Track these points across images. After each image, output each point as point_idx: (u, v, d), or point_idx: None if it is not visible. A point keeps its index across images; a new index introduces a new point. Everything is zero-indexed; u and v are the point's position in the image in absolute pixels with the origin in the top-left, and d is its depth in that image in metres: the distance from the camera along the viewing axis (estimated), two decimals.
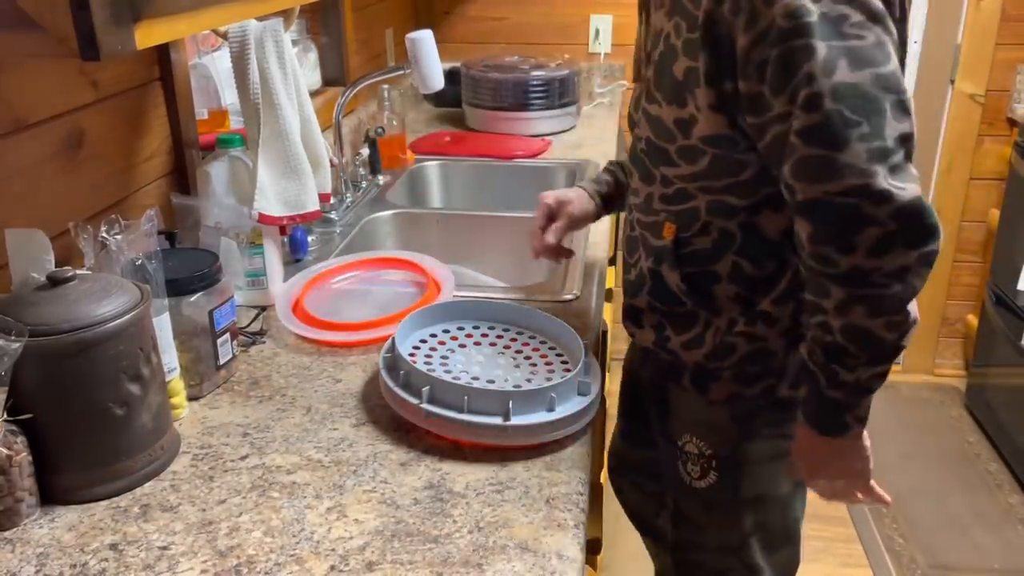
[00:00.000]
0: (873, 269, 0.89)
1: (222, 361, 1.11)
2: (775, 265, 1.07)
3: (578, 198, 1.34)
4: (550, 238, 1.31)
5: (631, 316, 1.23)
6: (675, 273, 1.11)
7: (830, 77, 0.86)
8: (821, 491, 1.13)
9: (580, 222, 1.35)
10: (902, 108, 0.88)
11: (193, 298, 1.06)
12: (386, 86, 2.11)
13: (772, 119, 0.92)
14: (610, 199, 1.36)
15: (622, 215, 1.29)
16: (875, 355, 0.95)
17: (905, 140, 0.88)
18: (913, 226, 0.88)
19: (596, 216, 1.36)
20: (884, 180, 0.86)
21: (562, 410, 1.00)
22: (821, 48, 0.87)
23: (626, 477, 1.48)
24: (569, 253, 1.36)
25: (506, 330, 1.20)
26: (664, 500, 1.32)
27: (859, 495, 1.10)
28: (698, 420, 1.19)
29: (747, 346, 1.11)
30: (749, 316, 1.10)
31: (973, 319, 3.03)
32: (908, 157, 0.89)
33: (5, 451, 0.84)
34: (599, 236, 1.67)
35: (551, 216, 1.33)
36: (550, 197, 1.34)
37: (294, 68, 1.35)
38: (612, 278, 2.10)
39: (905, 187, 0.87)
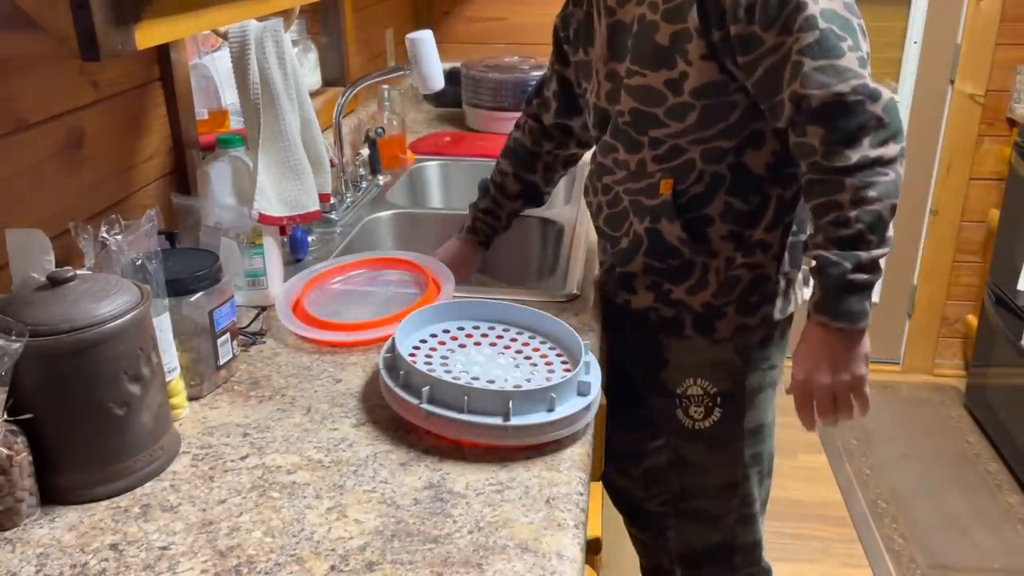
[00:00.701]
0: (876, 158, 1.06)
1: (222, 361, 1.11)
2: (759, 198, 1.21)
3: (462, 262, 1.49)
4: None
5: (623, 284, 1.32)
6: (675, 225, 1.22)
7: (817, 3, 1.05)
8: (821, 398, 1.16)
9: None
10: (863, 30, 1.09)
11: (193, 298, 1.06)
12: (386, 86, 2.11)
13: (764, 52, 1.08)
14: (489, 240, 1.52)
15: (596, 201, 1.35)
16: (882, 237, 1.08)
17: (868, 56, 1.08)
18: (895, 121, 1.07)
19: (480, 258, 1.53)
20: (871, 81, 1.06)
21: (562, 410, 1.00)
22: None
23: (610, 464, 1.53)
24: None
25: (506, 330, 1.20)
26: (644, 463, 1.41)
27: (855, 401, 1.16)
28: (701, 362, 1.29)
29: (749, 275, 1.24)
30: (745, 248, 1.23)
31: (973, 319, 3.03)
32: None
33: (5, 451, 0.84)
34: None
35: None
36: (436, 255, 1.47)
37: (294, 68, 1.35)
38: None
39: (884, 89, 1.06)
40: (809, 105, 1.06)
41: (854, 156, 1.05)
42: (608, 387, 1.47)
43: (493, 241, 1.53)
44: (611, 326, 1.39)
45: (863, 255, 1.08)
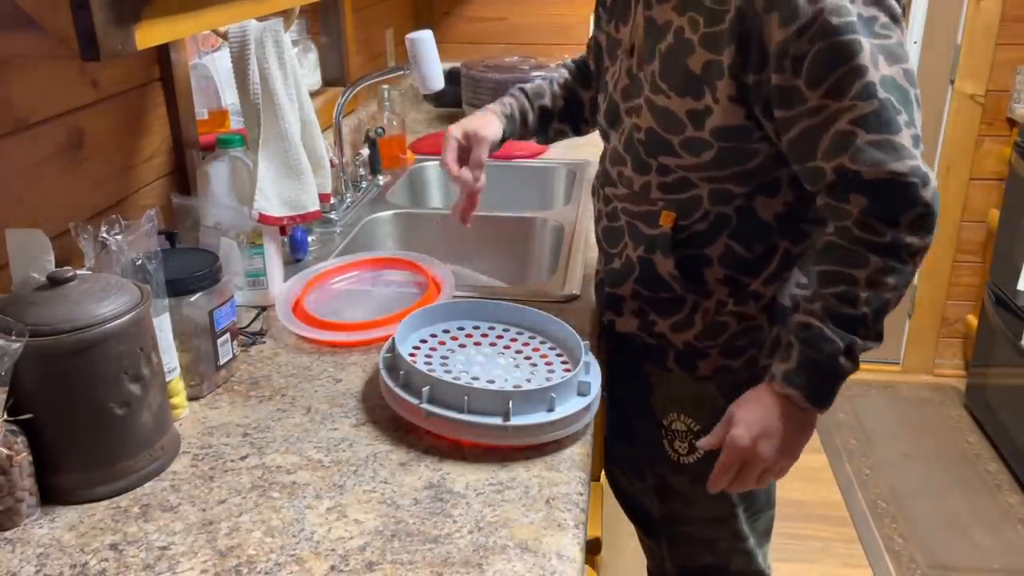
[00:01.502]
0: (907, 244, 0.98)
1: (222, 361, 1.11)
2: (764, 248, 1.13)
3: (487, 124, 1.27)
4: (467, 176, 1.25)
5: (611, 305, 1.26)
6: (669, 260, 1.14)
7: (877, 69, 0.94)
8: (752, 471, 1.08)
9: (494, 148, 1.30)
10: (918, 102, 0.99)
11: (193, 298, 1.06)
12: (386, 86, 2.11)
13: (803, 112, 0.98)
14: (513, 121, 1.32)
15: (598, 207, 1.28)
16: (879, 330, 1.02)
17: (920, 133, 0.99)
18: (936, 213, 0.98)
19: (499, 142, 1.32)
20: (923, 165, 0.96)
21: (562, 410, 1.00)
22: (866, 44, 0.94)
23: (616, 465, 1.50)
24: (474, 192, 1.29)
25: (506, 330, 1.20)
26: (648, 480, 1.35)
27: (773, 476, 1.10)
28: (684, 397, 1.23)
29: (737, 325, 1.17)
30: (739, 296, 1.15)
31: (973, 319, 3.03)
32: None
33: (5, 451, 0.84)
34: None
35: (464, 151, 1.27)
36: (458, 131, 1.26)
37: (294, 68, 1.35)
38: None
39: (932, 173, 0.97)
40: (859, 180, 0.96)
41: (888, 235, 0.97)
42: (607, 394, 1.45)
43: (514, 127, 1.33)
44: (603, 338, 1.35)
45: (859, 342, 1.00)
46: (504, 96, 1.36)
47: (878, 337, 1.02)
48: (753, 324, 1.17)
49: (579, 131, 1.42)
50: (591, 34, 1.33)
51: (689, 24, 1.04)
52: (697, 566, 1.37)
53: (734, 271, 1.14)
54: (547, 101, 1.37)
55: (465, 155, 1.27)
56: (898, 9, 0.99)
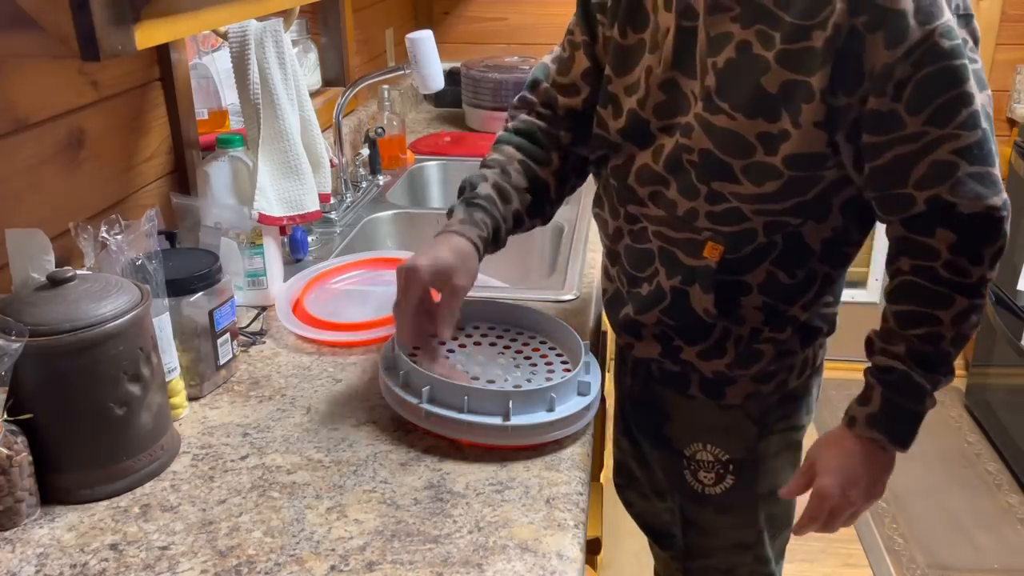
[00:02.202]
0: (989, 280, 0.96)
1: (222, 361, 1.11)
2: (805, 273, 1.07)
3: (463, 263, 1.01)
4: (438, 333, 1.01)
5: (628, 329, 1.16)
6: (709, 296, 1.06)
7: (979, 97, 0.90)
8: (841, 514, 1.06)
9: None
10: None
11: (193, 298, 1.06)
12: (386, 86, 2.11)
13: (898, 139, 0.92)
14: (493, 243, 1.09)
15: (615, 224, 1.15)
16: (952, 367, 1.00)
17: None
18: (1004, 245, 0.96)
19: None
20: (1006, 196, 0.94)
21: (562, 410, 1.00)
22: (969, 68, 0.90)
23: (634, 490, 1.44)
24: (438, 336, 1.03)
25: (506, 330, 1.20)
26: (666, 505, 1.31)
27: (860, 515, 1.08)
28: (711, 426, 1.17)
29: (773, 351, 1.11)
30: (775, 323, 1.09)
31: None
32: None
33: (5, 451, 0.84)
34: (599, 236, 1.66)
35: (424, 295, 1.00)
36: (423, 270, 0.98)
37: (294, 68, 1.35)
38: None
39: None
40: (954, 212, 0.92)
41: (975, 274, 0.94)
42: (621, 411, 1.39)
43: (487, 241, 1.08)
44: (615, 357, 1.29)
45: (942, 380, 0.98)
46: (471, 208, 1.07)
47: (952, 373, 1.00)
48: (786, 349, 1.12)
49: (547, 220, 1.20)
50: (579, 62, 1.14)
51: (759, 38, 0.94)
52: None
53: (772, 299, 1.07)
54: (517, 204, 1.12)
55: (430, 306, 1.02)
56: (978, 32, 0.95)
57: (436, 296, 1.03)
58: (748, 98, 0.96)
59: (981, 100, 0.90)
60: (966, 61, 0.89)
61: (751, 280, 1.06)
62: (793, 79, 0.93)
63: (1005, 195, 0.93)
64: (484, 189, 1.09)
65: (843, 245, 1.08)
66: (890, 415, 1.00)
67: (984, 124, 0.91)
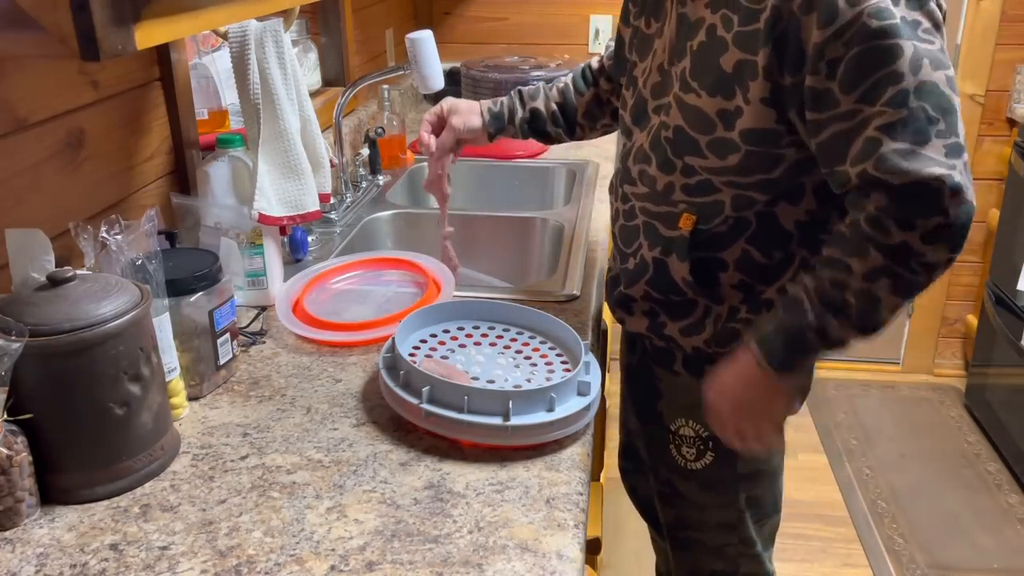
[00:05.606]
0: (918, 253, 0.94)
1: (222, 361, 1.11)
2: (783, 255, 1.11)
3: (467, 110, 1.35)
4: (434, 153, 1.34)
5: (621, 304, 1.24)
6: (684, 264, 1.12)
7: (916, 75, 0.91)
8: (726, 424, 1.12)
9: (466, 135, 1.35)
10: (959, 111, 0.95)
11: (193, 298, 1.06)
12: (386, 86, 2.11)
13: (835, 116, 0.95)
14: (500, 119, 1.37)
15: (616, 206, 1.26)
16: (865, 326, 1.00)
17: (962, 143, 0.94)
18: (964, 230, 0.93)
19: (485, 134, 1.38)
20: (960, 175, 0.92)
21: (562, 410, 1.00)
22: (908, 47, 0.91)
23: (640, 474, 1.47)
24: (444, 198, 1.41)
25: (506, 330, 1.20)
26: (655, 483, 1.35)
27: (762, 436, 1.12)
28: (693, 403, 1.20)
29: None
30: (752, 304, 1.14)
31: (973, 319, 3.03)
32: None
33: (5, 451, 0.84)
34: (599, 235, 1.67)
35: (440, 125, 1.35)
36: (445, 103, 1.35)
37: (294, 68, 1.35)
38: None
39: (970, 190, 0.93)
40: (883, 184, 0.93)
41: (897, 237, 0.93)
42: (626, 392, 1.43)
43: (495, 114, 1.38)
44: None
45: (833, 324, 0.99)
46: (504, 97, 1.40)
47: (862, 331, 1.00)
48: None
49: (573, 134, 1.43)
50: (617, 30, 1.33)
51: (722, 21, 1.02)
52: (707, 571, 1.36)
53: (749, 277, 1.12)
54: (539, 104, 1.39)
55: (440, 128, 1.35)
56: (939, 15, 0.96)
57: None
58: (711, 77, 1.04)
59: (925, 79, 0.91)
60: (900, 41, 0.91)
61: (727, 257, 1.12)
62: (744, 59, 1.01)
63: (944, 171, 0.91)
64: (516, 89, 1.41)
65: (822, 231, 1.10)
66: (775, 333, 1.04)
67: (915, 103, 0.91)
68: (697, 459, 1.25)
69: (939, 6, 0.97)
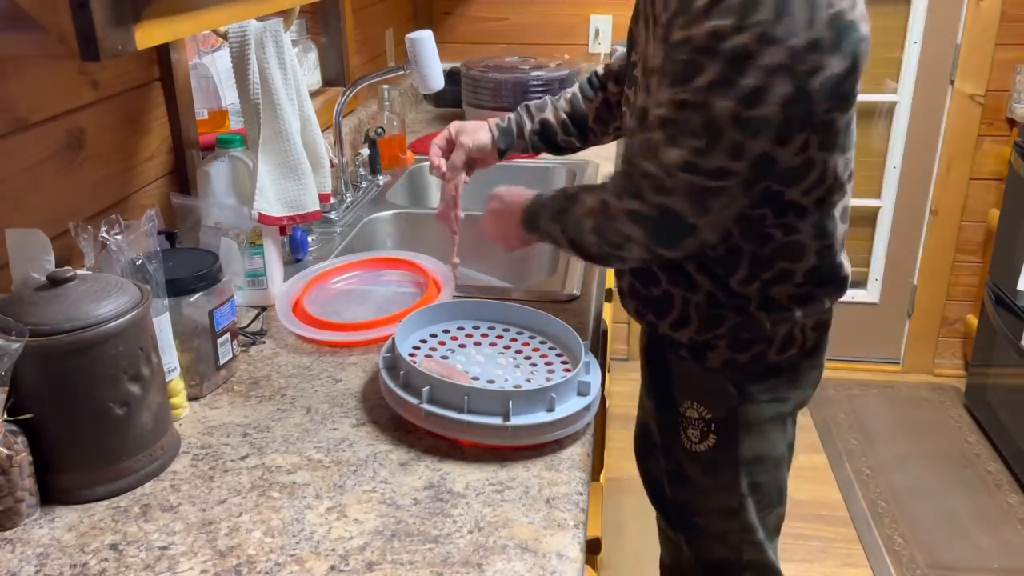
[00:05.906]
0: (603, 200, 1.07)
1: (222, 361, 1.11)
2: (726, 249, 1.13)
3: (474, 128, 1.36)
4: (446, 175, 1.36)
5: (621, 297, 1.32)
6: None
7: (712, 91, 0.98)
8: (484, 223, 1.29)
9: (476, 153, 1.35)
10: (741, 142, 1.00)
11: (193, 298, 1.06)
12: (386, 86, 2.11)
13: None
14: (509, 133, 1.38)
15: None
16: (570, 238, 1.13)
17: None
18: (636, 173, 1.04)
19: (495, 151, 1.38)
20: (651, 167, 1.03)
21: (562, 410, 1.00)
22: (711, 66, 0.96)
23: (653, 457, 1.46)
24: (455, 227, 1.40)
25: (506, 330, 1.20)
26: (664, 465, 1.37)
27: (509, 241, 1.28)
28: (697, 386, 1.25)
29: (736, 316, 1.17)
30: (727, 292, 1.16)
31: (973, 319, 3.03)
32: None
33: (5, 451, 0.84)
34: None
35: (450, 148, 1.36)
36: (452, 126, 1.37)
37: (294, 68, 1.35)
38: (612, 278, 2.09)
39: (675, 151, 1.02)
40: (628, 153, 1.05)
41: (612, 187, 1.07)
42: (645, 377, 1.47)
43: (504, 130, 1.38)
44: None
45: (541, 216, 1.16)
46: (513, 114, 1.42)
47: (570, 245, 1.13)
48: (755, 319, 1.17)
49: (586, 140, 1.44)
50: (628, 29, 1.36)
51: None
52: (713, 559, 1.38)
53: (707, 268, 1.16)
54: (548, 115, 1.40)
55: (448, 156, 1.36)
56: (845, 31, 0.95)
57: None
58: (651, 69, 1.12)
59: (722, 101, 0.95)
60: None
61: None
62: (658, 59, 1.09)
63: (656, 170, 1.00)
64: (523, 104, 1.43)
65: (762, 226, 1.11)
66: (544, 210, 1.17)
67: (692, 114, 0.97)
68: (701, 441, 1.27)
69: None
